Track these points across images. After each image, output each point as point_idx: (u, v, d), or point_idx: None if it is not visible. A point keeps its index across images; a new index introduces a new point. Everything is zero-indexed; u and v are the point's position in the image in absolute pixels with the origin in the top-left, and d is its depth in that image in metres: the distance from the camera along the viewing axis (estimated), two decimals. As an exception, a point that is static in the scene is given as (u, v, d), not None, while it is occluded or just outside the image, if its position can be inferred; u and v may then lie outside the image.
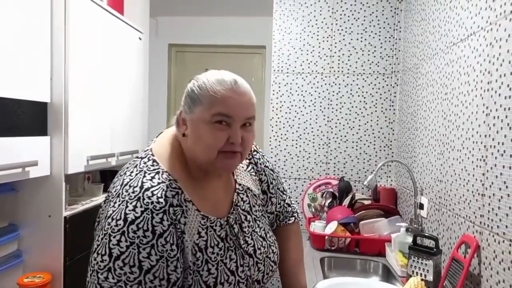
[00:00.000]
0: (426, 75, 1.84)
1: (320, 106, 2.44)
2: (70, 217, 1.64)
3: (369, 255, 1.88)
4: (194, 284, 0.87)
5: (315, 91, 2.44)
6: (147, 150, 0.97)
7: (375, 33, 2.40)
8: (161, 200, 0.85)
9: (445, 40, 1.61)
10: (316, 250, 1.95)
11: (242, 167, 1.11)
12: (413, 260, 1.44)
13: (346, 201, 2.21)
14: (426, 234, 1.50)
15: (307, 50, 2.44)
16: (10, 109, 1.41)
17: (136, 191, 0.86)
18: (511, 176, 1.06)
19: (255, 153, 1.15)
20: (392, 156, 2.39)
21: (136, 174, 0.89)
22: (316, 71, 2.44)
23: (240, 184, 1.06)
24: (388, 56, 2.40)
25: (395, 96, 2.40)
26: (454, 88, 1.49)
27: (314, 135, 2.45)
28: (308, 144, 2.45)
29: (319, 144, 2.45)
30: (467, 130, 1.35)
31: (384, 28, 2.40)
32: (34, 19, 1.49)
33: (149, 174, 0.89)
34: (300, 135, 2.45)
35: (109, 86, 1.99)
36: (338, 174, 2.43)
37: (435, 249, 1.40)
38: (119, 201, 0.85)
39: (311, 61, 2.44)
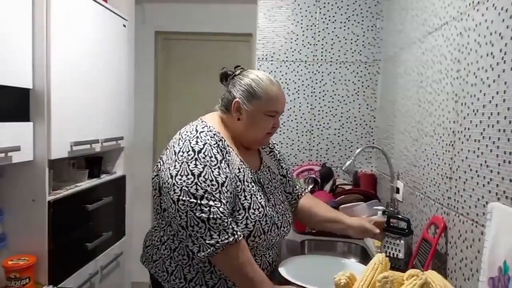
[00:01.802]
0: (405, 63, 1.89)
1: (304, 94, 2.48)
2: (54, 202, 1.66)
3: (348, 238, 1.94)
4: (235, 205, 1.18)
5: (299, 79, 2.48)
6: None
7: (358, 22, 2.44)
8: (212, 140, 1.19)
9: (422, 29, 1.65)
10: (298, 233, 2.01)
11: (266, 151, 1.47)
12: (387, 241, 1.50)
13: (328, 187, 2.27)
14: (399, 216, 1.56)
15: (291, 38, 2.47)
16: (-8, 94, 1.42)
17: (193, 133, 1.20)
18: (475, 159, 1.12)
19: (276, 145, 1.55)
20: (373, 143, 2.45)
21: (190, 126, 1.26)
22: (300, 59, 2.47)
23: (264, 161, 1.40)
24: (371, 45, 2.44)
25: (376, 84, 2.45)
26: (428, 76, 1.54)
27: (297, 123, 2.49)
28: (291, 131, 2.50)
29: (302, 131, 2.49)
30: (438, 117, 1.41)
31: (366, 17, 2.43)
32: (15, 5, 1.49)
33: (199, 126, 1.24)
34: (284, 122, 2.49)
35: (93, 73, 2.00)
36: (320, 160, 2.48)
37: (406, 230, 1.46)
38: (181, 142, 1.18)
39: (295, 49, 2.47)
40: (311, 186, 2.31)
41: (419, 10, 1.70)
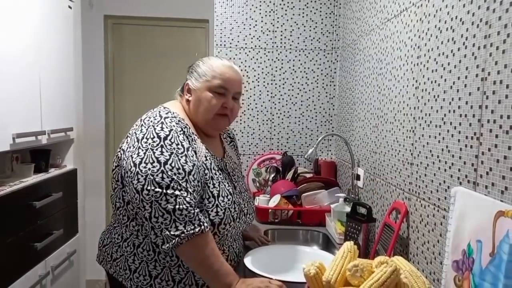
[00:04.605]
0: (363, 51, 1.90)
1: (264, 81, 2.44)
2: (-4, 200, 1.52)
3: (311, 226, 1.95)
4: (204, 193, 1.15)
5: (258, 67, 2.43)
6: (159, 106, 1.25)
7: (316, 9, 2.42)
8: (178, 127, 1.14)
9: (381, 16, 1.66)
10: (261, 223, 1.99)
11: (227, 141, 1.45)
12: (350, 227, 1.51)
13: (289, 175, 2.26)
14: (362, 202, 1.57)
15: (250, 25, 2.41)
16: None
17: (157, 118, 1.14)
18: (437, 145, 1.14)
19: (234, 137, 1.53)
20: (333, 131, 2.47)
21: (153, 112, 1.19)
22: (259, 46, 2.42)
23: (226, 151, 1.38)
24: (329, 32, 2.44)
25: (335, 72, 2.46)
26: (388, 63, 1.55)
27: (258, 111, 2.45)
28: (252, 120, 2.45)
29: (263, 120, 2.46)
30: (399, 103, 1.42)
31: (324, 4, 2.42)
32: None
33: (163, 111, 1.18)
34: (244, 111, 2.44)
35: (35, 58, 1.84)
36: (281, 149, 2.47)
37: (366, 217, 1.47)
38: (144, 128, 1.12)
39: (254, 36, 2.42)
40: (273, 175, 2.29)
41: (378, -3, 1.71)
